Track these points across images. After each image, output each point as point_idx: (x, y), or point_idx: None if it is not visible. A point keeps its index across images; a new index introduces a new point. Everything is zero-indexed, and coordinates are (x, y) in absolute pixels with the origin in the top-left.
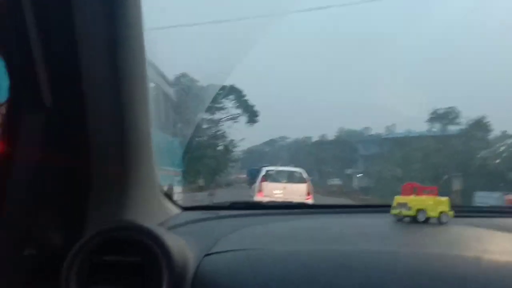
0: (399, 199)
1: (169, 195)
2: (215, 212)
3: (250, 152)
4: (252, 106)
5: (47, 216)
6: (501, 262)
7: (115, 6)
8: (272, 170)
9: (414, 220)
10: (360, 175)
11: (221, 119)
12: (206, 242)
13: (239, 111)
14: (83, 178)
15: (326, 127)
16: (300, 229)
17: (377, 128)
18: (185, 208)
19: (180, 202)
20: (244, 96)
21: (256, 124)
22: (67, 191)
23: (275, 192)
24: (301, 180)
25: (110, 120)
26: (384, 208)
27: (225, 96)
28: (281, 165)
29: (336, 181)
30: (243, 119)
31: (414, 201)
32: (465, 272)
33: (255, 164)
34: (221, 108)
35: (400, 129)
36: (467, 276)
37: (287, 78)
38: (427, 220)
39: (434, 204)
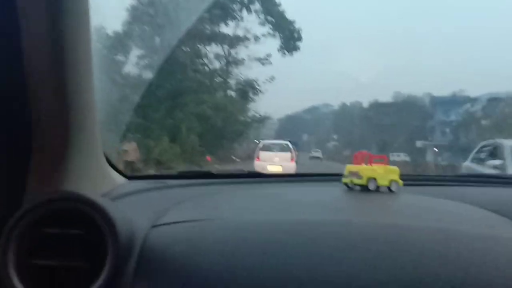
0: (350, 167)
1: (113, 163)
2: (162, 181)
3: (289, 120)
4: (290, 23)
5: None
6: (451, 230)
7: None
8: (268, 143)
9: (365, 188)
10: (435, 148)
11: (235, 44)
12: (153, 213)
13: (268, 29)
14: (21, 145)
15: (377, 93)
16: (251, 199)
17: (440, 93)
18: (131, 177)
19: (125, 171)
20: (277, 4)
21: (293, 90)
22: (2, 158)
23: (268, 157)
24: (287, 150)
25: (51, 84)
26: (336, 177)
27: (245, 6)
28: (322, 135)
29: (401, 156)
30: (275, 43)
31: (365, 170)
32: (416, 241)
33: (294, 133)
34: (237, 38)
35: (473, 94)
36: (417, 246)
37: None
38: (377, 189)
39: (385, 173)
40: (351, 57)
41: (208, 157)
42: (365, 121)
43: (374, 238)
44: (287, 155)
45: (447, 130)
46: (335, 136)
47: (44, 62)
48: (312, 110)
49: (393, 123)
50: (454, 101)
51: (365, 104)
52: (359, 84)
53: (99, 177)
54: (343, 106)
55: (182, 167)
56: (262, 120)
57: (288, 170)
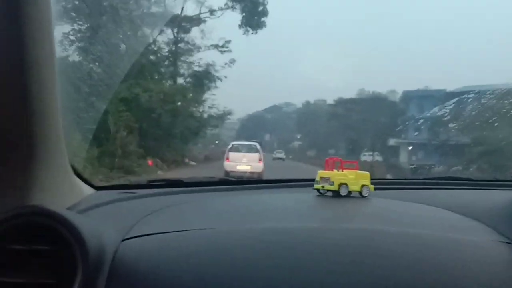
0: (322, 173)
1: (80, 173)
2: (131, 191)
3: (250, 119)
4: None
5: None
6: (422, 235)
7: None
8: (237, 144)
9: (336, 194)
10: (411, 147)
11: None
12: (123, 225)
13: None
14: None
15: (340, 91)
16: (223, 208)
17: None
18: (99, 188)
19: (92, 181)
20: None
21: (251, 88)
22: None
23: (237, 158)
24: (255, 151)
25: (14, 94)
26: (308, 182)
27: None
28: (285, 134)
29: (373, 156)
30: (234, 16)
31: (337, 176)
32: (387, 246)
33: (255, 133)
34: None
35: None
36: (389, 251)
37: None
38: (349, 194)
39: (356, 178)
40: (314, 55)
41: (149, 161)
42: (332, 119)
43: (347, 244)
44: (255, 155)
45: (422, 127)
46: (298, 136)
47: (5, 70)
48: (274, 109)
49: (362, 121)
50: (428, 96)
51: (330, 102)
52: (322, 82)
53: (66, 188)
54: (307, 105)
55: (103, 176)
56: (222, 116)
57: (256, 169)
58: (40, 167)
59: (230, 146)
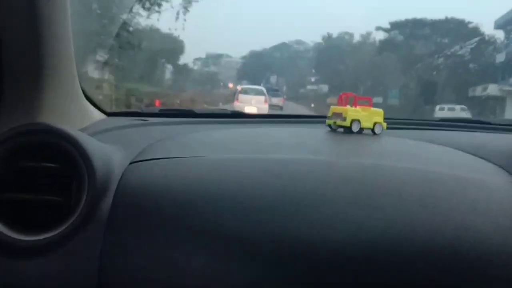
0: (334, 109)
1: (91, 98)
2: (143, 118)
3: (254, 57)
4: None
5: None
6: (431, 172)
7: None
8: (245, 87)
9: (348, 130)
10: None
11: None
12: (132, 149)
13: None
14: None
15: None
16: (233, 138)
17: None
18: (110, 114)
19: (104, 107)
20: None
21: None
22: None
23: (246, 100)
24: (262, 93)
25: (24, 16)
26: (321, 119)
27: None
28: (296, 76)
29: (456, 110)
30: None
31: (350, 112)
32: (396, 182)
33: (260, 74)
34: None
35: None
36: (397, 187)
37: None
38: (361, 131)
39: (369, 115)
40: None
41: None
42: (383, 51)
43: (354, 178)
44: (262, 98)
45: None
46: (312, 79)
47: None
48: (283, 47)
49: (434, 54)
50: None
51: (355, 37)
52: (341, 18)
53: (76, 112)
54: (328, 38)
55: None
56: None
57: (261, 111)
58: (50, 89)
59: (239, 89)
